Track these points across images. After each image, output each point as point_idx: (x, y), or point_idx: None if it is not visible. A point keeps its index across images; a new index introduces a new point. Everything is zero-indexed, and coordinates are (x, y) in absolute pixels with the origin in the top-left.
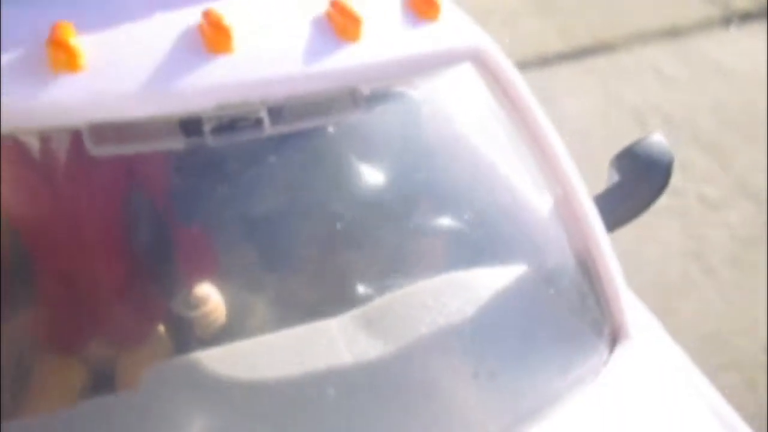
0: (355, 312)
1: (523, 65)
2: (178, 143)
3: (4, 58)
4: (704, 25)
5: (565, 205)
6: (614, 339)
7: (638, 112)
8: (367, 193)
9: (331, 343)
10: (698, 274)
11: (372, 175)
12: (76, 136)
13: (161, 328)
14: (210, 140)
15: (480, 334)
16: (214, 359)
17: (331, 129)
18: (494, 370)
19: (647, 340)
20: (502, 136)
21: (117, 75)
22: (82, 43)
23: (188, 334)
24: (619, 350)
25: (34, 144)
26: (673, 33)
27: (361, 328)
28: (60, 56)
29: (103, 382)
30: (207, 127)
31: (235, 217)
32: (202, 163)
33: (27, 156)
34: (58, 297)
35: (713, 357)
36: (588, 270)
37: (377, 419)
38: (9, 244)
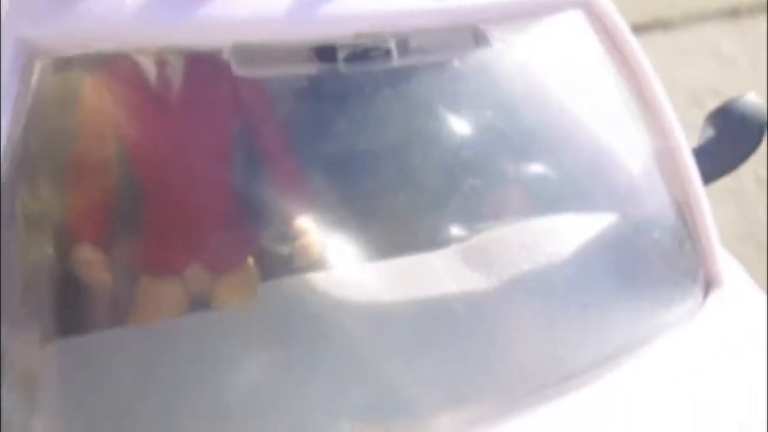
0: (456, 247)
1: None
2: (312, 69)
3: None
4: (765, 7)
5: (666, 155)
6: (708, 286)
7: (694, 92)
8: (471, 135)
9: (434, 273)
10: (754, 253)
11: (478, 119)
12: (189, 65)
13: (256, 257)
14: (342, 67)
15: (578, 273)
16: (317, 284)
17: (441, 71)
18: (592, 305)
19: (739, 288)
20: (597, 87)
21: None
22: None
23: (284, 266)
24: (713, 296)
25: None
26: (733, 13)
27: (462, 262)
28: None
29: (199, 304)
30: (341, 55)
31: (336, 153)
32: (307, 98)
33: (144, 81)
34: (163, 223)
35: None
36: (684, 218)
37: (479, 346)
38: (121, 171)
